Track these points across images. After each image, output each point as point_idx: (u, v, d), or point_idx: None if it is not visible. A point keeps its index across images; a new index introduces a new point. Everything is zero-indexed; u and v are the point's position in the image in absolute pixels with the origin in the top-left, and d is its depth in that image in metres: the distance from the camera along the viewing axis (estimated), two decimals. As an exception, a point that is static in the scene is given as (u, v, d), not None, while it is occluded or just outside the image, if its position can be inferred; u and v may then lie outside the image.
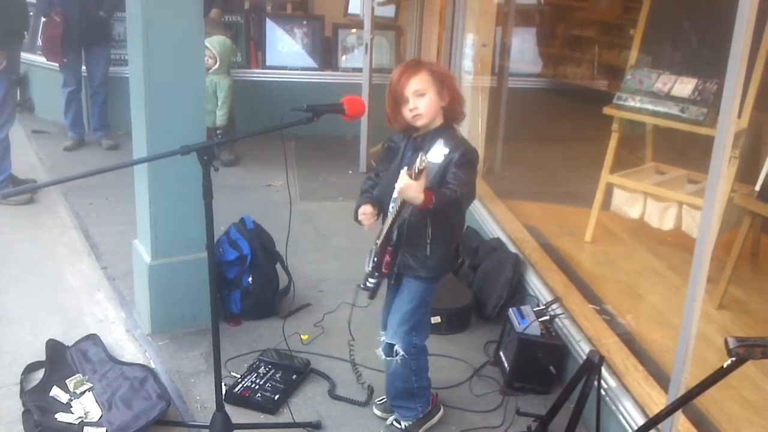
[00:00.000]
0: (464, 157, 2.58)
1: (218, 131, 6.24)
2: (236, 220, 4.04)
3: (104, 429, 2.88)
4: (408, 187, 2.38)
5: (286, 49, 7.48)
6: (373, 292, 2.86)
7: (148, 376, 3.18)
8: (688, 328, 2.46)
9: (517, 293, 3.96)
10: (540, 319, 3.40)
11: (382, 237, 2.72)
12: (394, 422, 3.03)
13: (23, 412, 2.97)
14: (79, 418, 2.94)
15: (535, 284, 3.92)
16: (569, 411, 2.73)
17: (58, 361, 3.34)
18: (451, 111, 2.68)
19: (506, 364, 3.42)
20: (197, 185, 2.54)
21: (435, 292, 2.88)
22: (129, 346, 3.57)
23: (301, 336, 3.71)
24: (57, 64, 6.49)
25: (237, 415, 2.98)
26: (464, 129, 5.22)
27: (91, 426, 2.90)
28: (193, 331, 3.68)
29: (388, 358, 2.88)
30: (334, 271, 4.50)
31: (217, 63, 6.22)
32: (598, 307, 3.66)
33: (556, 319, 3.47)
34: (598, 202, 4.51)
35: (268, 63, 7.41)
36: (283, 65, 7.41)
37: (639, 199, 4.33)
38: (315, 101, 2.61)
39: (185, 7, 3.37)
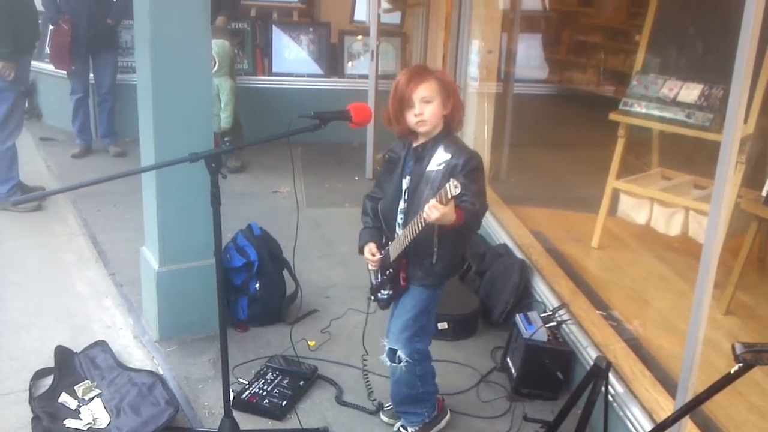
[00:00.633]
0: (469, 165, 2.58)
1: (226, 138, 6.26)
2: (243, 226, 4.05)
3: (113, 435, 2.90)
4: (443, 215, 2.36)
5: (292, 56, 7.50)
6: (386, 304, 2.88)
7: (156, 383, 3.19)
8: (695, 334, 2.46)
9: (524, 299, 3.96)
10: (547, 325, 3.40)
11: (397, 253, 2.72)
12: (401, 428, 3.03)
13: (32, 419, 2.98)
14: (88, 424, 2.96)
15: (541, 290, 3.92)
16: (577, 417, 2.73)
17: (67, 367, 3.35)
18: (452, 120, 2.70)
19: (513, 370, 3.42)
20: (205, 192, 2.55)
21: (441, 298, 2.89)
22: (137, 353, 3.58)
23: (309, 342, 3.72)
24: (65, 72, 6.53)
25: (245, 421, 2.98)
26: (470, 135, 5.25)
27: (99, 432, 2.92)
28: (200, 337, 3.69)
29: (393, 365, 2.88)
30: (341, 277, 4.50)
31: (216, 65, 6.22)
32: (605, 313, 3.66)
33: (563, 325, 3.47)
34: (605, 208, 4.51)
35: (274, 70, 7.44)
36: (290, 72, 7.44)
37: (645, 204, 4.33)
38: (321, 108, 2.63)
39: (192, 14, 3.39)
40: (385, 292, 2.85)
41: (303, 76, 7.43)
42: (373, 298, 2.94)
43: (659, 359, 3.29)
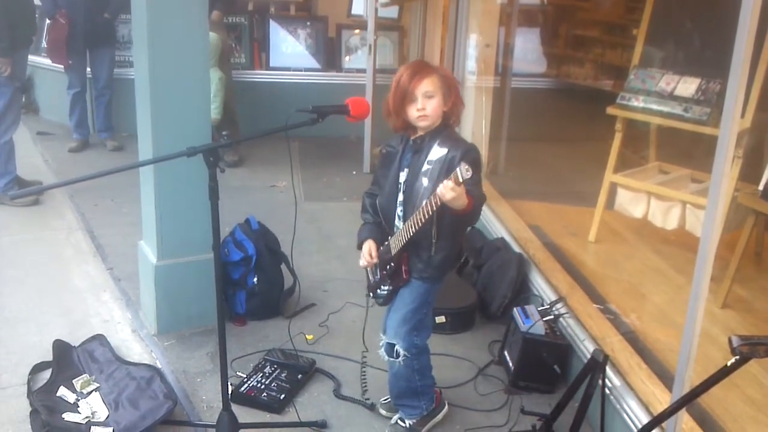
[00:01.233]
0: (468, 157, 2.59)
1: (224, 132, 6.25)
2: (241, 220, 4.05)
3: (111, 429, 2.90)
4: (458, 196, 2.37)
5: (289, 51, 7.49)
6: (386, 301, 2.89)
7: (154, 376, 3.20)
8: (692, 327, 2.46)
9: (522, 293, 3.97)
10: (544, 319, 3.41)
11: (399, 246, 2.73)
12: (399, 421, 3.04)
13: (31, 412, 2.98)
14: (87, 417, 2.96)
15: (539, 284, 3.93)
16: (574, 410, 2.74)
17: (65, 361, 3.35)
18: (450, 115, 2.70)
19: (511, 364, 3.44)
20: (203, 186, 2.55)
21: (439, 291, 2.89)
22: (135, 347, 3.59)
23: (306, 336, 3.72)
24: (62, 66, 6.51)
25: (243, 414, 2.99)
26: (468, 129, 5.25)
27: (98, 426, 2.92)
28: (199, 331, 3.69)
29: (390, 359, 2.89)
30: (339, 271, 4.51)
31: None
32: (602, 307, 3.67)
33: (561, 319, 3.48)
34: (602, 202, 4.52)
35: (271, 64, 7.43)
36: (287, 66, 7.42)
37: (643, 198, 4.33)
38: (318, 102, 2.63)
39: (190, 9, 3.38)
40: (385, 288, 2.85)
41: (300, 70, 7.42)
42: (371, 295, 2.95)
43: (656, 352, 3.30)
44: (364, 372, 3.27)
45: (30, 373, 3.25)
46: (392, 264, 2.78)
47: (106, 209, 5.27)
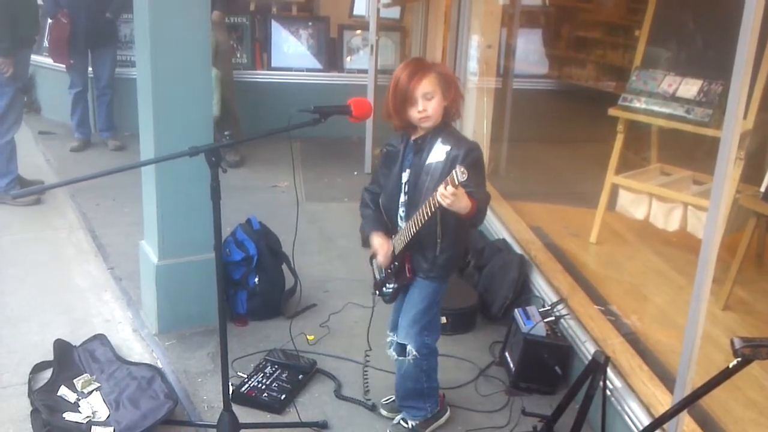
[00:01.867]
0: (470, 156, 2.59)
1: (226, 132, 6.25)
2: (242, 220, 4.05)
3: (112, 428, 2.90)
4: (457, 200, 2.35)
5: (291, 51, 7.49)
6: (391, 298, 2.89)
7: (155, 376, 3.20)
8: (693, 329, 2.46)
9: (523, 294, 3.97)
10: (545, 320, 3.41)
11: (402, 245, 2.72)
12: (401, 421, 3.04)
13: (31, 412, 2.98)
14: (87, 417, 2.96)
15: (540, 285, 3.92)
16: (575, 411, 2.74)
17: (66, 360, 3.36)
18: (450, 109, 2.69)
19: (512, 365, 3.43)
20: (204, 186, 2.55)
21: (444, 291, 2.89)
22: (136, 346, 3.59)
23: (308, 336, 3.72)
24: (63, 66, 6.52)
25: (244, 414, 2.99)
26: (469, 130, 5.25)
27: (98, 425, 2.92)
28: (199, 331, 3.69)
29: (400, 359, 2.89)
30: (340, 271, 4.51)
31: None
32: (603, 308, 3.67)
33: (562, 320, 3.48)
34: (604, 203, 4.51)
35: (273, 64, 7.42)
36: (289, 67, 7.42)
37: (644, 200, 4.33)
38: (320, 102, 2.62)
39: (191, 8, 3.38)
40: (390, 286, 2.86)
41: (302, 70, 7.42)
42: (377, 293, 2.95)
43: (657, 354, 3.30)
44: (366, 371, 3.26)
45: (31, 373, 3.25)
46: (396, 263, 2.78)
47: (108, 209, 5.27)
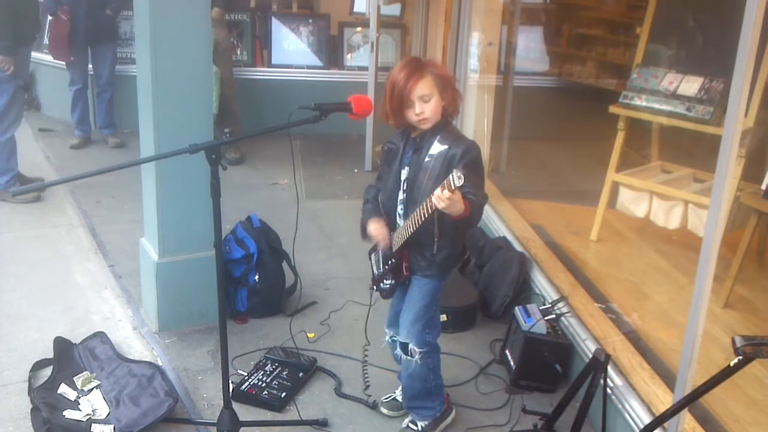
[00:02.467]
0: (468, 156, 2.58)
1: (226, 130, 6.24)
2: (242, 218, 4.05)
3: (112, 426, 2.90)
4: (452, 204, 2.34)
5: (291, 48, 7.48)
6: (389, 293, 2.89)
7: (155, 374, 3.19)
8: (694, 327, 2.46)
9: (523, 292, 3.97)
10: (546, 318, 3.40)
11: (400, 243, 2.72)
12: (410, 424, 3.02)
13: (32, 410, 2.99)
14: (87, 415, 2.96)
15: (540, 283, 3.92)
16: (575, 409, 2.74)
17: (66, 358, 3.35)
18: (448, 107, 2.68)
19: (512, 363, 3.43)
20: (204, 183, 2.55)
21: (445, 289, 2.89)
22: (136, 344, 3.59)
23: (308, 334, 3.72)
24: (64, 63, 6.52)
25: (244, 412, 2.99)
26: (470, 128, 5.24)
27: (98, 423, 2.92)
28: (200, 328, 3.69)
29: (407, 358, 2.88)
30: (340, 269, 4.51)
31: None
32: (603, 306, 3.67)
33: (562, 318, 3.47)
34: (604, 201, 4.51)
35: (273, 61, 7.42)
36: (289, 64, 7.42)
37: (645, 197, 4.33)
38: (321, 100, 2.61)
39: (192, 5, 3.38)
40: (387, 282, 2.86)
41: (302, 67, 7.42)
42: (375, 288, 2.95)
43: (658, 352, 3.30)
44: (366, 367, 3.25)
45: (31, 371, 3.25)
46: (393, 260, 2.78)
47: (108, 206, 5.27)
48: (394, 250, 2.77)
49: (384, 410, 3.14)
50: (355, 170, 6.43)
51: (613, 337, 3.35)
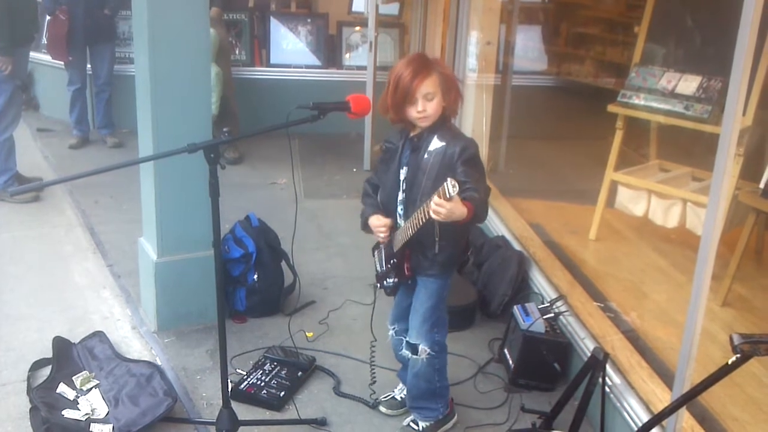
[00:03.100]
0: (466, 153, 2.58)
1: (225, 129, 6.24)
2: (241, 217, 4.05)
3: (111, 425, 2.90)
4: (450, 212, 2.31)
5: (290, 47, 7.48)
6: (392, 291, 2.89)
7: (154, 373, 3.19)
8: (692, 325, 2.46)
9: (522, 291, 3.97)
10: (544, 317, 3.41)
11: (401, 244, 2.72)
12: (411, 423, 3.02)
13: (30, 409, 2.98)
14: (86, 414, 2.96)
15: (539, 282, 3.92)
16: (574, 408, 2.74)
17: (65, 358, 3.35)
18: (448, 108, 2.68)
19: (511, 362, 3.43)
20: (203, 183, 2.55)
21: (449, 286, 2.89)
22: (135, 344, 3.59)
23: (306, 333, 3.72)
24: (62, 62, 6.51)
25: (243, 411, 2.99)
26: (468, 127, 5.24)
27: (97, 422, 2.92)
28: (198, 328, 3.69)
29: (414, 357, 2.87)
30: (339, 268, 4.51)
31: None
32: (602, 305, 3.67)
33: (561, 317, 3.48)
34: (603, 200, 4.51)
35: (272, 61, 7.42)
36: (287, 63, 7.42)
37: (643, 196, 4.33)
38: (319, 99, 2.62)
39: (190, 5, 3.38)
40: (390, 280, 2.86)
41: (301, 67, 7.42)
42: (379, 285, 2.95)
43: (656, 351, 3.30)
44: (374, 359, 3.22)
45: (30, 370, 3.25)
46: (395, 260, 2.78)
47: (106, 206, 5.27)
48: (395, 249, 2.77)
49: (383, 409, 3.14)
50: (354, 169, 6.43)
51: (611, 335, 3.35)
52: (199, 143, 2.47)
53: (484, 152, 5.48)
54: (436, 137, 2.64)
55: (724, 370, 1.86)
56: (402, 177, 2.74)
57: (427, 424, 2.99)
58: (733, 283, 3.72)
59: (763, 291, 3.94)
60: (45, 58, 7.08)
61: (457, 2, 5.44)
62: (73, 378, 3.18)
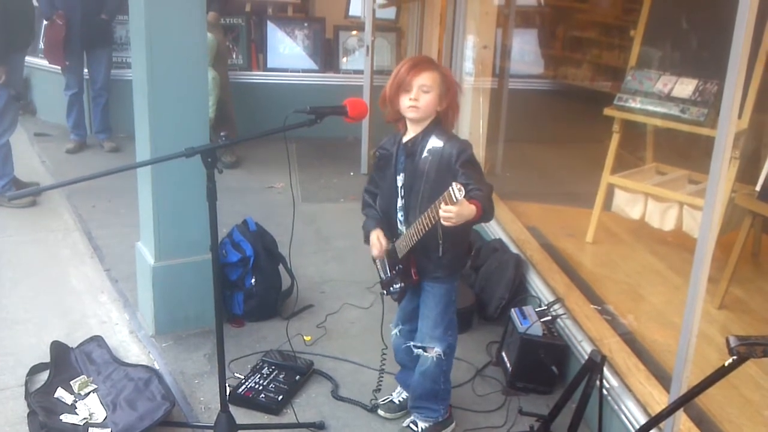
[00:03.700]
0: (464, 155, 2.58)
1: (222, 133, 6.23)
2: (238, 221, 4.05)
3: (109, 430, 2.90)
4: (459, 215, 2.31)
5: (287, 52, 7.49)
6: (400, 296, 2.90)
7: (152, 377, 3.19)
8: (689, 328, 2.47)
9: (519, 294, 3.98)
10: (542, 320, 3.41)
11: (405, 250, 2.72)
12: (411, 425, 3.02)
13: (28, 414, 2.98)
14: (84, 419, 2.96)
15: (536, 285, 3.93)
16: (571, 411, 2.74)
17: (63, 362, 3.35)
18: (444, 117, 2.69)
19: (508, 365, 3.44)
20: (200, 187, 2.55)
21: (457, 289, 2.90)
22: (133, 348, 3.59)
23: (304, 337, 3.72)
24: (59, 67, 6.51)
25: (241, 415, 2.99)
26: (465, 130, 5.26)
27: (95, 427, 2.92)
28: (196, 332, 3.69)
29: (425, 354, 2.87)
30: (336, 272, 4.51)
31: None
32: (599, 308, 3.68)
33: (558, 320, 3.48)
34: (599, 203, 4.52)
35: (269, 65, 7.42)
36: (284, 67, 7.42)
37: (640, 199, 4.34)
38: (316, 103, 2.62)
39: (188, 9, 3.38)
40: (397, 286, 2.87)
41: (298, 71, 7.42)
42: (385, 292, 2.95)
43: (653, 353, 3.30)
44: (384, 366, 3.21)
45: (27, 375, 3.24)
46: (401, 266, 2.78)
47: (104, 210, 5.27)
48: (400, 256, 2.77)
49: (381, 412, 3.15)
50: (351, 173, 6.44)
51: (608, 338, 3.35)
52: (196, 147, 2.47)
53: (481, 155, 5.50)
54: (431, 138, 2.64)
55: (721, 372, 1.87)
56: (399, 184, 2.74)
57: (427, 425, 2.99)
58: (729, 285, 3.73)
59: (760, 293, 3.95)
60: (42, 62, 7.08)
61: (453, 6, 5.46)
62: (71, 382, 3.18)
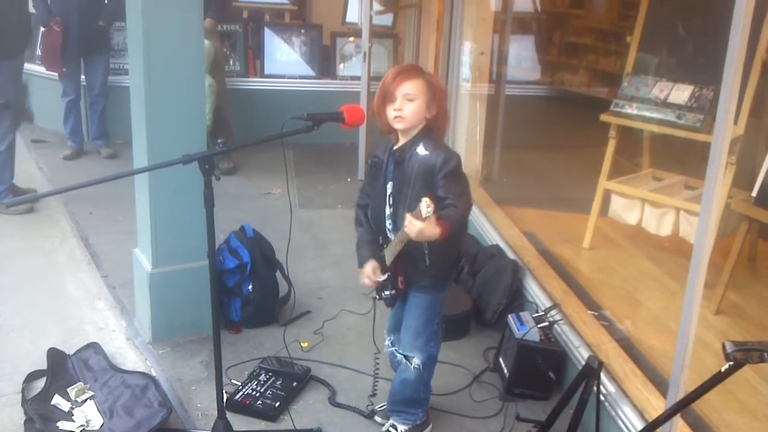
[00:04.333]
0: (448, 165, 2.57)
1: (219, 140, 6.25)
2: (235, 228, 4.05)
3: (106, 437, 2.90)
4: (421, 233, 2.36)
5: (284, 58, 7.50)
6: (391, 303, 2.91)
7: (149, 384, 3.19)
8: (686, 333, 2.47)
9: (516, 299, 3.98)
10: (539, 325, 3.41)
11: (391, 258, 2.73)
12: (390, 428, 3.03)
13: (25, 421, 2.98)
14: (81, 426, 2.95)
15: (533, 290, 3.93)
16: (569, 416, 2.74)
17: (60, 369, 3.35)
18: (434, 125, 2.67)
19: (506, 370, 3.44)
20: (197, 194, 2.55)
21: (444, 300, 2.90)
22: (130, 354, 3.58)
23: (302, 343, 3.72)
24: (56, 74, 6.52)
25: (238, 422, 2.99)
26: (462, 136, 5.26)
27: (92, 434, 2.91)
28: (193, 339, 3.69)
29: (406, 363, 2.87)
30: (334, 278, 4.51)
31: None
32: (596, 313, 3.68)
33: (555, 325, 3.48)
34: (596, 209, 4.53)
35: (266, 72, 7.44)
36: (282, 74, 7.44)
37: (636, 205, 4.35)
38: (313, 110, 2.62)
39: (185, 16, 3.39)
40: (388, 292, 2.87)
41: (295, 77, 7.44)
42: (378, 297, 2.95)
43: (650, 359, 3.31)
44: (377, 371, 3.21)
45: (24, 382, 3.24)
46: (389, 273, 2.79)
47: (101, 217, 5.26)
48: (388, 263, 2.77)
49: (378, 419, 3.14)
50: (348, 179, 6.44)
51: (605, 344, 3.36)
52: (193, 154, 2.47)
53: (477, 161, 5.51)
54: (419, 146, 2.63)
55: (718, 378, 1.87)
56: (389, 192, 2.74)
57: (406, 428, 3.00)
58: (726, 290, 3.73)
59: (756, 299, 3.95)
60: (39, 69, 7.09)
61: (450, 12, 5.48)
62: (68, 389, 3.17)
